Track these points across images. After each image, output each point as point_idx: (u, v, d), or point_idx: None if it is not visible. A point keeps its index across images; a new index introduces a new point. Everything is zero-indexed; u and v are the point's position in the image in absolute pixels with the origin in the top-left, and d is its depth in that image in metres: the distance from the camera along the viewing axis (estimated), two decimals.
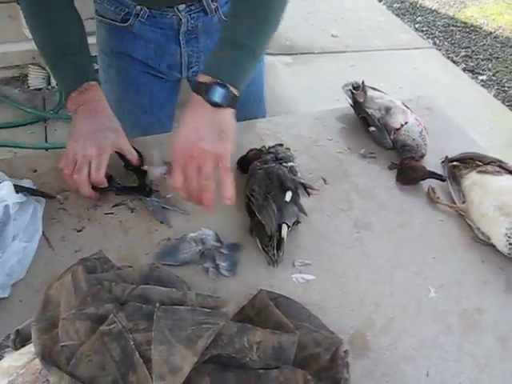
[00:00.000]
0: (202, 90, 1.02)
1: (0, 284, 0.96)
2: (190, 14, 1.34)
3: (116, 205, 1.16)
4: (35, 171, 1.22)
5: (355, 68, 3.94)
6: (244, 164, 1.26)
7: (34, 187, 1.14)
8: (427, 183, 1.28)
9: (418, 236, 1.17)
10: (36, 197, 1.10)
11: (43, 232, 1.08)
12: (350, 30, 4.41)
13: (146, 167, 1.21)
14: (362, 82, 1.45)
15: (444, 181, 1.26)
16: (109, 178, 1.16)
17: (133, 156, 1.19)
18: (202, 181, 1.01)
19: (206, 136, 1.00)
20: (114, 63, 1.47)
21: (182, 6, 1.32)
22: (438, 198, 1.25)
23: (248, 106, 1.57)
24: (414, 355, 0.95)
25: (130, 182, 1.21)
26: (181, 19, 1.34)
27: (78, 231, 1.10)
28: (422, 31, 4.73)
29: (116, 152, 1.17)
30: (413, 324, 1.00)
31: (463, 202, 1.23)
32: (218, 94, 1.02)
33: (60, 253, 1.06)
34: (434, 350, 0.97)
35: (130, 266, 0.91)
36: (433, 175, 1.26)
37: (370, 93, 1.43)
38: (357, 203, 1.23)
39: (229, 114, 1.04)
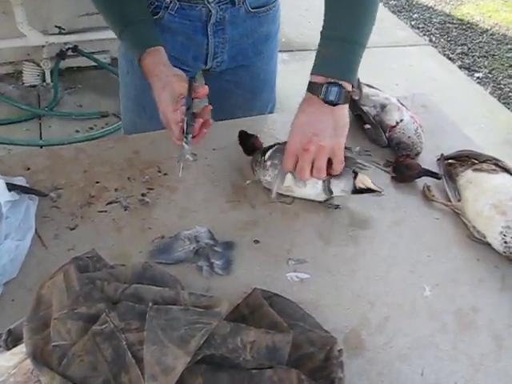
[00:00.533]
0: (318, 91, 1.07)
1: None
2: (219, 6, 1.35)
3: (109, 203, 1.15)
4: (28, 169, 1.21)
5: None
6: (246, 143, 1.29)
7: (27, 185, 1.13)
8: (422, 181, 1.28)
9: (413, 234, 1.17)
10: (29, 195, 1.09)
11: (36, 230, 1.07)
12: None
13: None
14: (358, 79, 1.44)
15: (439, 179, 1.26)
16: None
17: (184, 89, 1.14)
18: (314, 173, 1.08)
19: (322, 132, 1.06)
20: None
21: None
22: (434, 196, 1.25)
23: (262, 95, 1.63)
24: (409, 354, 0.95)
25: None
26: (210, 10, 1.35)
27: (71, 229, 1.09)
28: (418, 28, 4.73)
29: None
30: (408, 323, 1.00)
31: (458, 200, 1.22)
32: (333, 93, 1.06)
33: (53, 251, 1.05)
34: (429, 349, 0.96)
35: (123, 265, 0.90)
36: (428, 173, 1.26)
37: (366, 90, 1.43)
38: (352, 201, 1.22)
39: (344, 109, 1.09)
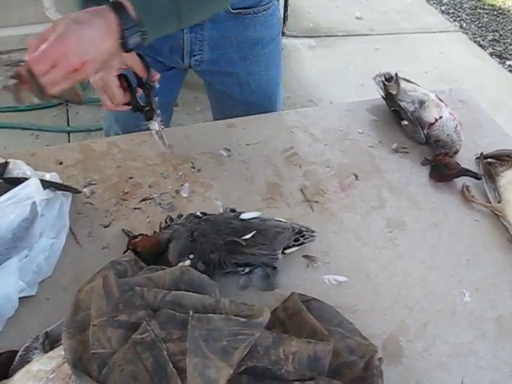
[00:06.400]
0: (123, 23, 0.92)
1: (27, 282, 0.94)
2: None
3: (143, 199, 1.14)
4: (61, 163, 1.20)
5: (380, 51, 3.87)
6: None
7: (60, 181, 1.12)
8: (461, 180, 1.25)
9: (452, 236, 1.14)
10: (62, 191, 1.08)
11: (70, 227, 1.06)
12: (375, 13, 4.33)
13: (155, 84, 1.13)
14: (396, 74, 1.40)
15: (479, 179, 1.22)
16: (132, 91, 1.11)
17: (139, 68, 1.10)
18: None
19: (97, 61, 0.93)
20: None
21: None
22: (473, 196, 1.21)
23: (258, 110, 1.49)
24: (449, 362, 0.93)
25: None
26: None
27: (105, 227, 1.08)
28: (449, 14, 4.62)
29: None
30: (447, 329, 0.98)
31: (499, 202, 1.19)
32: (135, 41, 0.94)
33: (87, 249, 1.04)
34: (469, 358, 0.94)
35: (162, 267, 0.89)
36: (468, 173, 1.22)
37: (403, 85, 1.39)
38: (389, 201, 1.20)
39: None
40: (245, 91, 1.47)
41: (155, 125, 1.13)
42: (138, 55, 1.10)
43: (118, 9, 0.92)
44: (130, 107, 1.12)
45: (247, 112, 1.46)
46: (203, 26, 1.32)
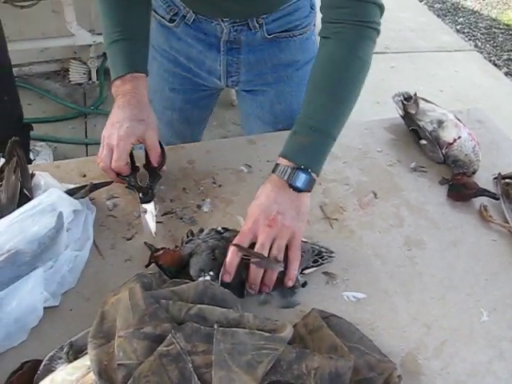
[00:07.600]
0: (285, 174, 1.04)
1: (51, 293, 0.96)
2: (232, 26, 1.33)
3: (165, 213, 1.16)
4: (84, 176, 1.23)
5: (395, 69, 3.89)
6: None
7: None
8: (479, 200, 1.26)
9: (471, 255, 1.15)
10: (87, 204, 1.10)
11: (93, 240, 1.07)
12: (390, 31, 4.36)
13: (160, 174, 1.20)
14: (415, 94, 1.42)
15: (497, 199, 1.23)
16: (134, 168, 1.17)
17: (155, 152, 1.17)
18: (273, 251, 1.00)
19: (286, 212, 1.02)
20: (157, 57, 1.48)
21: (226, 18, 1.32)
22: (491, 216, 1.22)
23: (286, 122, 1.54)
24: (467, 381, 0.93)
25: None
26: (223, 29, 1.34)
27: (128, 239, 1.10)
28: (464, 33, 4.65)
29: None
30: (465, 348, 0.98)
31: None
32: (301, 180, 1.03)
33: (110, 261, 1.06)
34: (487, 377, 0.94)
35: (185, 281, 0.90)
36: (486, 193, 1.23)
37: (422, 105, 1.40)
38: (407, 219, 1.21)
39: (307, 197, 1.06)
40: (275, 109, 1.52)
41: (151, 207, 1.14)
42: (160, 142, 1.18)
43: (276, 169, 1.06)
44: (123, 181, 1.16)
45: (274, 129, 1.52)
46: (240, 49, 1.39)
